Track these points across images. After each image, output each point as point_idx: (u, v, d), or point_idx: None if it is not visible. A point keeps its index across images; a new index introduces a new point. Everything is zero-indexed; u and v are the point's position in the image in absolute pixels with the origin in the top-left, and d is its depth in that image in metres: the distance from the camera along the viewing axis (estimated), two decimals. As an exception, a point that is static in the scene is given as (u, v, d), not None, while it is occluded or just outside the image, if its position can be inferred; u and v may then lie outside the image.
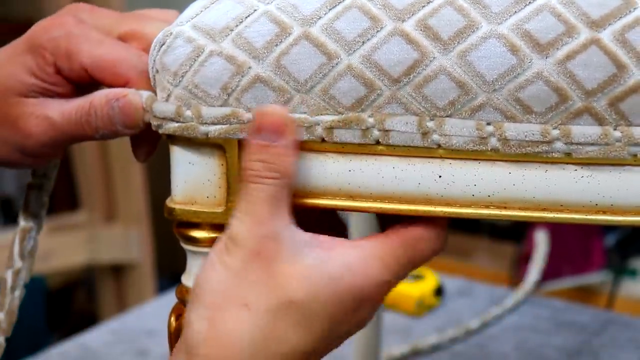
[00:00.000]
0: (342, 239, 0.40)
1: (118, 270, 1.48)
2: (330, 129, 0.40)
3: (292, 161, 0.40)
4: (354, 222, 0.66)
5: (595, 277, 1.57)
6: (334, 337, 0.40)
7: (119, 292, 1.50)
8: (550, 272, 1.41)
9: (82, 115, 0.44)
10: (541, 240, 1.32)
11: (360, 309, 0.39)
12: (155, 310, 1.01)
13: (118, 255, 1.45)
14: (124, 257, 1.45)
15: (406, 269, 0.41)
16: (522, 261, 1.52)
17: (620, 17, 0.37)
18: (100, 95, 0.44)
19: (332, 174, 0.41)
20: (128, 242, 1.44)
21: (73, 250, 1.41)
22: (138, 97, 0.43)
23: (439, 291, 0.96)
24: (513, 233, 1.65)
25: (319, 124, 0.41)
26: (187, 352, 0.38)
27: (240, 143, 0.41)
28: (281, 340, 0.37)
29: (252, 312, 0.37)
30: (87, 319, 1.54)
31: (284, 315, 0.37)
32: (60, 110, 0.44)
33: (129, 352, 0.91)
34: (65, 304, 1.74)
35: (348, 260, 0.39)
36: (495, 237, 1.73)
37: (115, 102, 0.43)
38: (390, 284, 0.40)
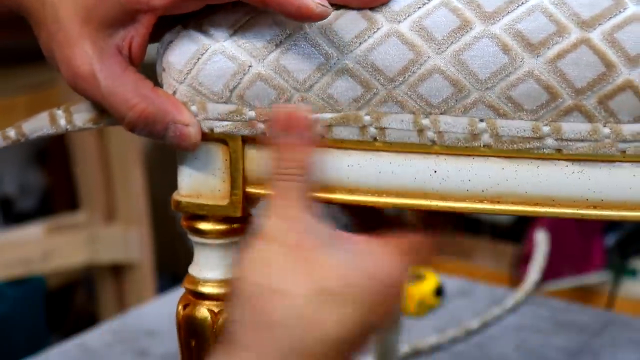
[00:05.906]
0: (352, 234, 0.42)
1: (118, 270, 1.48)
2: (329, 126, 0.42)
3: (313, 157, 0.41)
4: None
5: (595, 277, 1.56)
6: (366, 328, 0.40)
7: (118, 292, 1.50)
8: (550, 272, 1.41)
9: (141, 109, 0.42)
10: (541, 240, 1.32)
11: (386, 299, 0.41)
12: (155, 311, 1.01)
13: (118, 255, 1.45)
14: (124, 257, 1.45)
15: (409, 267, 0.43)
16: (522, 261, 1.51)
17: (610, 18, 0.38)
18: (162, 107, 0.42)
19: (331, 169, 0.42)
20: (128, 242, 1.44)
21: (73, 250, 1.41)
22: (195, 130, 0.43)
23: (439, 291, 0.96)
24: (513, 233, 1.65)
25: (317, 122, 0.42)
26: (228, 341, 0.40)
27: (244, 138, 0.43)
28: (314, 325, 0.39)
29: (287, 297, 0.39)
30: (87, 319, 1.54)
31: (318, 301, 0.39)
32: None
33: (129, 352, 0.91)
34: (65, 304, 1.74)
35: (374, 253, 0.41)
36: (496, 237, 1.73)
37: (173, 126, 0.42)
38: (403, 277, 0.42)
